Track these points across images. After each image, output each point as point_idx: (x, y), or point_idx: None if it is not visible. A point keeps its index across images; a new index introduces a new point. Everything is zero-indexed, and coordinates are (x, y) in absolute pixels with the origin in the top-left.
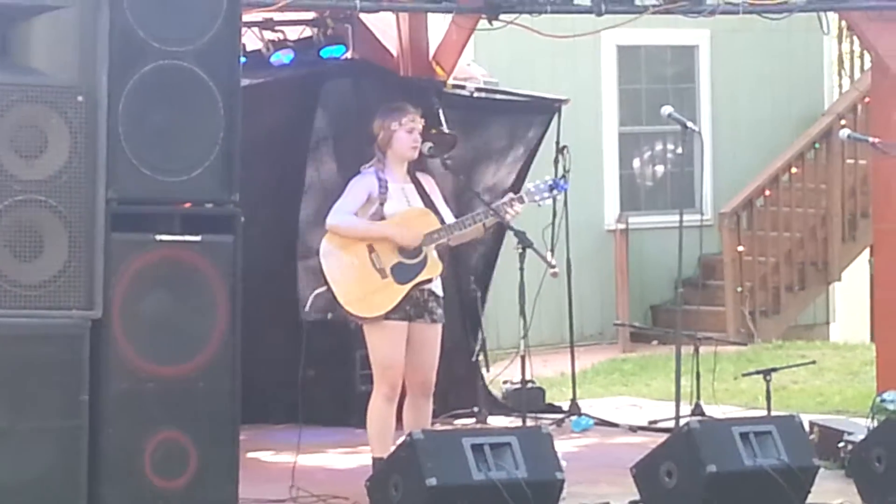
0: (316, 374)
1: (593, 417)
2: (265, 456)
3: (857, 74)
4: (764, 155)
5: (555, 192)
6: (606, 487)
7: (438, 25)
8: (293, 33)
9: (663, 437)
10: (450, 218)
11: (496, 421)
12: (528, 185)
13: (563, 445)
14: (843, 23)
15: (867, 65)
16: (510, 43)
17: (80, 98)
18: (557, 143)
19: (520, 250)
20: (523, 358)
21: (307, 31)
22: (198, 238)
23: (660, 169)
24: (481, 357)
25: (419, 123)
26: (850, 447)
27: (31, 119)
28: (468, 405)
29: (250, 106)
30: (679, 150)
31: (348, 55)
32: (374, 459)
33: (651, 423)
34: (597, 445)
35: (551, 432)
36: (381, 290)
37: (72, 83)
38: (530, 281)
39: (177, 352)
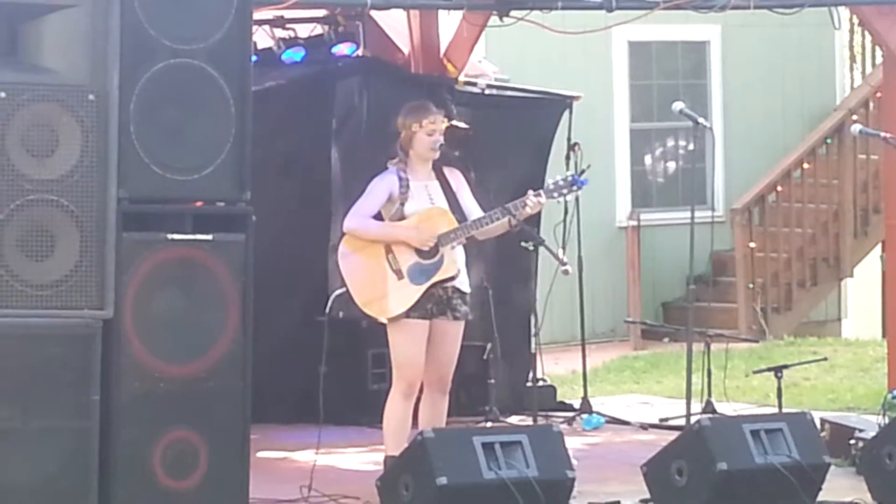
0: (328, 373)
1: (604, 415)
2: (276, 455)
3: (868, 69)
4: (775, 151)
5: (574, 187)
6: (617, 486)
7: (449, 22)
8: (304, 31)
9: (674, 434)
10: (476, 212)
11: (507, 419)
12: (548, 180)
13: (574, 443)
14: (855, 17)
15: (879, 59)
16: (521, 39)
17: (91, 97)
18: (569, 139)
19: (531, 248)
20: (535, 356)
21: (318, 29)
22: (209, 237)
23: (671, 165)
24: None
25: (441, 124)
26: (861, 444)
27: (42, 118)
28: (480, 404)
29: (264, 107)
30: (690, 147)
31: (359, 53)
32: (387, 458)
33: (662, 420)
34: (608, 443)
35: (562, 430)
36: (397, 291)
37: (83, 82)
38: (542, 278)
39: (188, 351)
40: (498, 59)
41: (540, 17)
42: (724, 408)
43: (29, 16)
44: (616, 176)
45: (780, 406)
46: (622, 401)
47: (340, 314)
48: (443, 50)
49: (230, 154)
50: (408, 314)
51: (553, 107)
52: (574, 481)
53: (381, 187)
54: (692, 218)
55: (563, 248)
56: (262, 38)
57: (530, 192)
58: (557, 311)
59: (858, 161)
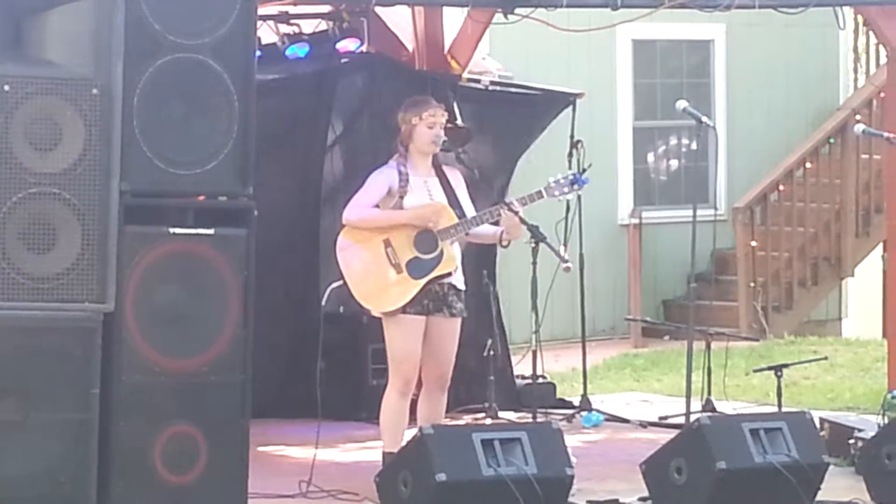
0: (327, 368)
1: (604, 413)
2: (276, 450)
3: (872, 69)
4: (778, 150)
5: (575, 186)
6: (616, 483)
7: (454, 19)
8: (308, 27)
9: (674, 433)
10: (471, 212)
11: (507, 416)
12: (549, 179)
13: (574, 441)
14: (859, 17)
15: (883, 59)
16: (525, 37)
17: (94, 91)
18: (572, 137)
19: (533, 245)
20: (535, 353)
21: (322, 25)
22: (211, 231)
23: (674, 163)
24: (493, 351)
25: (441, 118)
26: (860, 444)
27: (45, 112)
28: (479, 400)
29: (267, 101)
30: (693, 145)
31: (364, 49)
32: (385, 454)
33: (662, 418)
34: (607, 441)
35: (562, 428)
36: (396, 285)
37: (87, 76)
38: (543, 275)
39: (189, 345)
40: (502, 56)
41: (544, 14)
42: (724, 406)
43: (33, 9)
44: (618, 174)
45: (779, 405)
46: (622, 398)
47: (341, 309)
48: (447, 47)
49: (233, 149)
50: (404, 309)
51: (557, 104)
52: (573, 479)
53: (381, 180)
54: (694, 216)
55: (565, 245)
56: (267, 33)
57: (531, 191)
58: (558, 309)
59: (861, 161)
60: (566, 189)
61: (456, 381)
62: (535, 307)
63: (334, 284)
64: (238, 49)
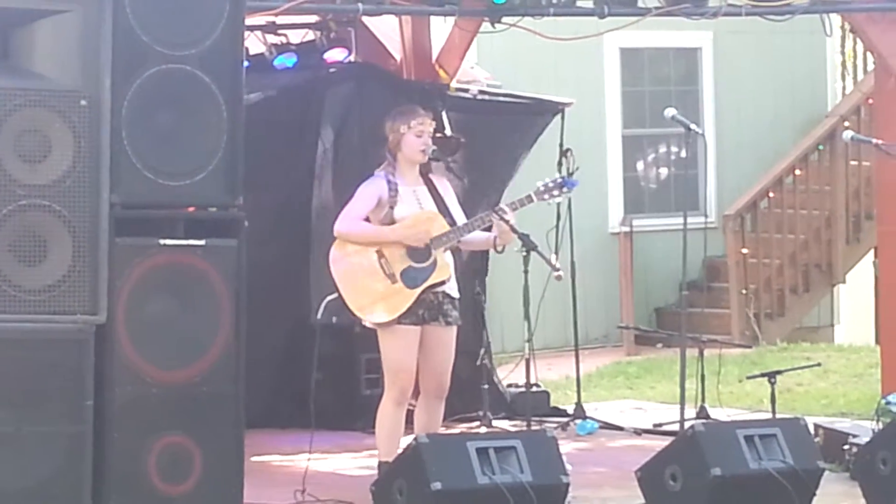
0: (321, 378)
1: (598, 421)
2: (270, 460)
3: (860, 76)
4: (767, 157)
5: (564, 189)
6: (611, 491)
7: (441, 29)
8: (296, 37)
9: (668, 440)
10: (462, 221)
11: (501, 424)
12: (538, 183)
13: (568, 449)
14: (847, 24)
15: (870, 66)
16: (513, 46)
17: (83, 102)
18: (561, 145)
19: (524, 253)
20: (528, 361)
21: (310, 35)
22: (202, 242)
23: (663, 171)
24: (486, 360)
25: (429, 126)
26: (854, 450)
27: (34, 123)
28: (473, 409)
29: (255, 112)
30: (682, 153)
31: (351, 59)
32: (381, 463)
33: (656, 426)
34: (602, 449)
35: (556, 436)
36: (391, 295)
37: (75, 87)
38: (534, 284)
39: (181, 356)
40: (490, 65)
41: (532, 23)
42: (718, 413)
43: (21, 21)
44: (608, 182)
45: (773, 411)
46: (616, 406)
47: (334, 319)
48: (435, 56)
49: (222, 159)
50: (399, 320)
51: (545, 112)
52: (568, 486)
53: (370, 191)
54: (685, 224)
55: (556, 253)
56: (254, 43)
57: (502, 204)
58: (550, 317)
59: (850, 167)
60: (555, 192)
61: (449, 391)
62: (527, 316)
63: (329, 297)
64: (226, 60)
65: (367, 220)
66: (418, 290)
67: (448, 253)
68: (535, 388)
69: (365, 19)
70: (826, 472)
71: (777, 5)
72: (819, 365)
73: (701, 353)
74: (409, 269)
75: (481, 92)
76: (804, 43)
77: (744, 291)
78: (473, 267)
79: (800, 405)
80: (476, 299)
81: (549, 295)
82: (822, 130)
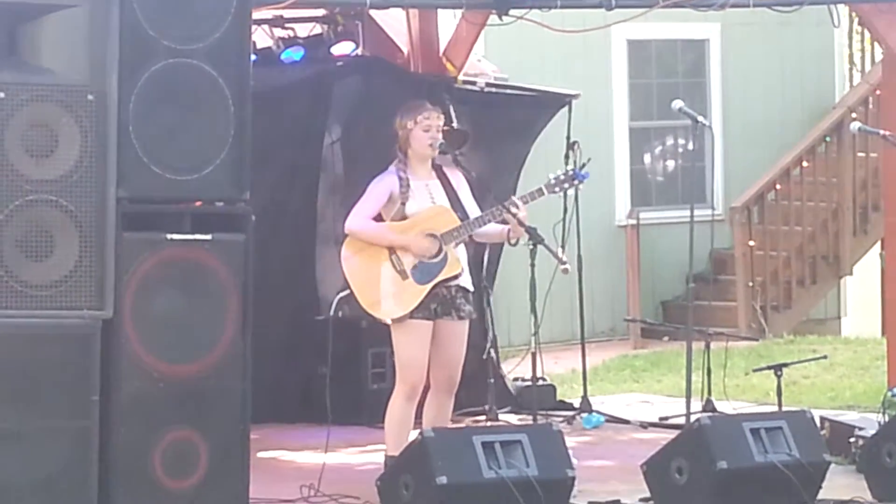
0: (327, 373)
1: (604, 414)
2: (276, 455)
3: (867, 67)
4: (775, 149)
5: (576, 181)
6: (617, 485)
7: (448, 21)
8: (303, 30)
9: (674, 433)
10: (476, 212)
11: (507, 418)
12: (549, 175)
13: (575, 442)
14: (854, 15)
15: (878, 57)
16: (520, 38)
17: (90, 97)
18: (568, 138)
19: (531, 247)
20: (534, 355)
21: (317, 29)
22: (209, 237)
23: (671, 164)
24: (492, 354)
25: (437, 120)
26: (861, 442)
27: (41, 119)
28: (479, 403)
29: (263, 107)
30: (690, 145)
31: (359, 52)
32: (388, 457)
33: (662, 419)
34: (608, 442)
35: (562, 429)
36: (402, 291)
37: (82, 82)
38: (541, 277)
39: (188, 351)
40: (497, 58)
41: (539, 15)
42: (724, 406)
43: (28, 16)
44: (615, 174)
45: (779, 404)
46: (622, 400)
47: (340, 314)
48: (442, 49)
49: (229, 154)
50: (412, 315)
51: (552, 105)
52: (574, 480)
53: (381, 188)
54: (691, 216)
55: (563, 246)
56: (262, 37)
57: (514, 198)
58: (557, 311)
59: (858, 159)
60: (566, 185)
61: None
62: (533, 309)
63: (341, 294)
64: (233, 54)
65: (380, 216)
66: (429, 286)
67: (461, 247)
68: (541, 382)
69: (372, 12)
70: (832, 465)
71: None
72: (825, 357)
73: (707, 346)
74: (420, 264)
75: (488, 85)
76: (812, 34)
77: (750, 284)
78: (478, 260)
79: (806, 398)
80: (483, 293)
81: (556, 288)
82: (829, 122)
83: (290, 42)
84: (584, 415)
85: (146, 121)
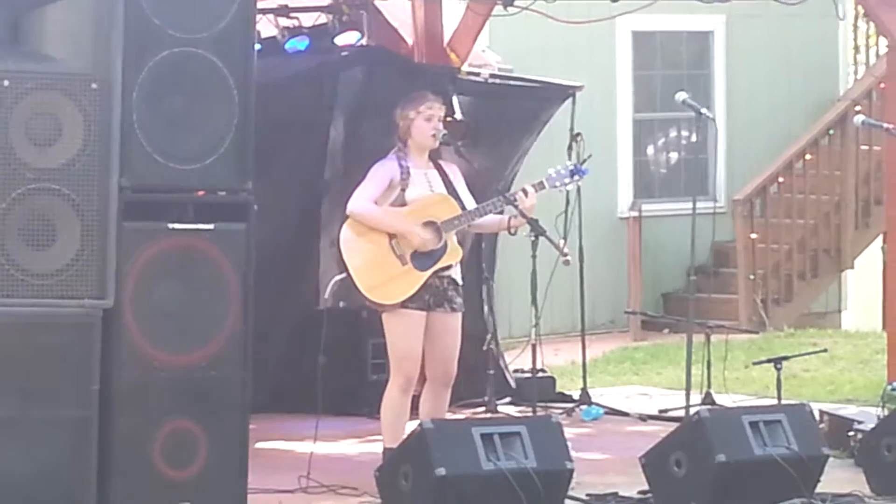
0: (327, 363)
1: (604, 406)
2: (275, 445)
3: (872, 60)
4: (778, 141)
5: (576, 177)
6: (616, 477)
7: (453, 12)
8: (308, 20)
9: (673, 426)
10: (472, 205)
11: (506, 410)
12: (550, 170)
13: (573, 434)
14: (859, 7)
15: (883, 50)
16: (525, 29)
17: (94, 86)
18: (571, 129)
19: (532, 238)
20: (534, 347)
21: (322, 18)
22: (211, 226)
23: (674, 156)
24: (492, 345)
25: (439, 111)
26: (860, 436)
27: (45, 107)
28: (479, 394)
29: (268, 97)
30: (693, 137)
31: (363, 42)
32: (386, 450)
33: (661, 412)
34: (607, 435)
35: (561, 421)
36: (400, 276)
37: (86, 71)
38: (542, 269)
39: (188, 341)
40: (501, 48)
41: (544, 6)
42: (724, 399)
43: (32, 4)
44: (618, 166)
45: (779, 398)
46: (621, 392)
47: (341, 304)
48: (446, 39)
49: (232, 143)
50: (405, 304)
51: (556, 96)
52: (573, 472)
53: (382, 173)
54: (694, 209)
55: (565, 238)
56: (266, 27)
57: (526, 185)
58: (558, 302)
59: (861, 152)
60: (566, 180)
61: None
62: (534, 301)
63: (337, 277)
64: (237, 43)
65: (378, 203)
66: (428, 272)
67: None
68: (540, 374)
69: (377, 2)
70: (831, 459)
71: None
72: (825, 351)
73: (707, 339)
74: (420, 251)
75: (492, 75)
76: (816, 27)
77: (752, 277)
78: (478, 253)
79: (806, 391)
80: (483, 284)
81: (557, 280)
82: (833, 115)
83: (295, 32)
84: (584, 407)
85: (150, 110)
